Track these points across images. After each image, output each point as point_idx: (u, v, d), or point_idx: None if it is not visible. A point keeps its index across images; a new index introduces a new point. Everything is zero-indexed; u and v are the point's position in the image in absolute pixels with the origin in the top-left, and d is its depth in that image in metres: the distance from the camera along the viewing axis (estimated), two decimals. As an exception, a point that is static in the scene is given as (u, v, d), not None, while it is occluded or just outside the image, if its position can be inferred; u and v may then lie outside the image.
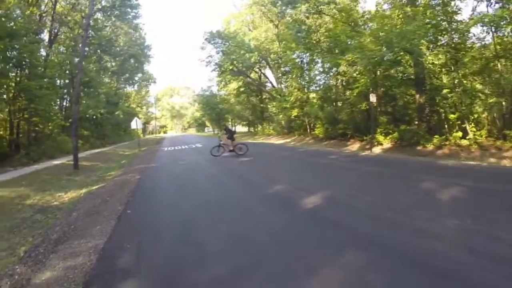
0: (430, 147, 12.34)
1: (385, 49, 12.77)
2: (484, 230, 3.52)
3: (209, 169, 10.16)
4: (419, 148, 12.67)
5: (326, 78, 21.93)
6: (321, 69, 22.97)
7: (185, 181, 8.21)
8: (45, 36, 22.93)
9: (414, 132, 13.29)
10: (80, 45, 28.04)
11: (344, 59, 14.49)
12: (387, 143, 14.29)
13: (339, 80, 20.02)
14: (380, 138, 14.40)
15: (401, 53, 12.99)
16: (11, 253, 4.14)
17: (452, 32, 13.10)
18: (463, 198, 5.00)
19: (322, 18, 20.26)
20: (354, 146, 15.79)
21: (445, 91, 12.56)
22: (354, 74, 15.23)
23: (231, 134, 13.91)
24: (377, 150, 13.88)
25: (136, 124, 24.22)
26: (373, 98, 13.47)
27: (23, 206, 6.82)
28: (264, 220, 4.43)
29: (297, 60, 24.14)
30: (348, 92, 17.91)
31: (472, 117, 12.46)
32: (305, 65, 23.32)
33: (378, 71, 14.63)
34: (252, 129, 42.65)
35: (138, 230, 4.43)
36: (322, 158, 11.49)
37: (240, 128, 52.80)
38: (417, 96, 14.15)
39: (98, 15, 30.32)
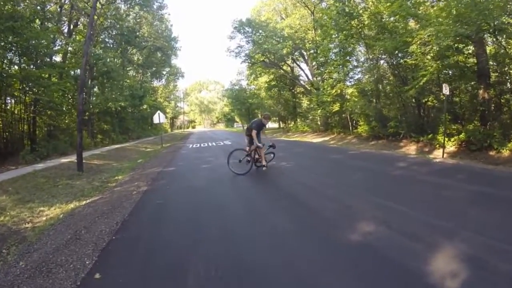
0: (505, 152, 9.55)
1: (466, 27, 9.85)
2: None
3: (239, 181, 7.45)
4: (491, 153, 9.89)
5: (372, 69, 18.89)
6: (362, 59, 20.26)
7: (206, 200, 5.77)
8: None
9: (487, 133, 10.38)
10: (101, 35, 27.26)
11: (418, 36, 11.46)
12: (450, 146, 11.43)
13: (390, 71, 17.03)
14: (442, 139, 11.56)
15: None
16: None
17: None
18: None
19: (366, 1, 17.39)
20: (409, 148, 12.88)
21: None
22: (428, 57, 12.09)
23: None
24: (439, 154, 11.03)
25: (159, 118, 22.28)
26: (446, 89, 10.49)
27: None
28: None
29: (335, 50, 21.20)
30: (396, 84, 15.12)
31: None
32: (346, 56, 20.31)
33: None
34: (283, 125, 39.96)
35: None
36: (388, 166, 8.51)
37: (270, 124, 50.41)
38: (481, 90, 11.28)
39: (122, 6, 28.91)
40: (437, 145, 11.89)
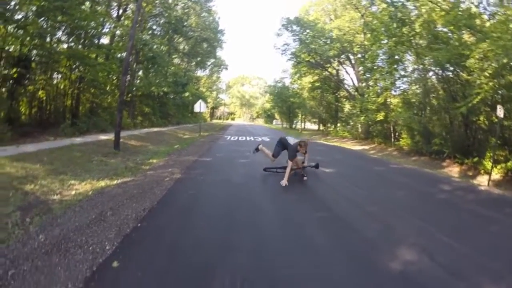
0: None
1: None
2: None
3: (277, 182, 6.69)
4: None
5: (421, 81, 17.73)
6: (410, 69, 18.86)
7: (240, 198, 5.47)
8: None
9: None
10: (149, 22, 27.80)
11: (476, 50, 10.43)
12: (495, 174, 10.43)
13: (440, 85, 15.88)
14: (488, 165, 10.56)
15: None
16: None
17: None
18: None
19: (419, 9, 16.29)
20: (452, 170, 11.90)
21: None
22: (486, 74, 10.97)
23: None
24: (483, 180, 10.16)
25: (199, 106, 22.43)
26: (500, 111, 9.52)
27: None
28: None
29: (384, 57, 20.24)
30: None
31: None
32: (394, 63, 19.24)
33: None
34: (323, 128, 39.11)
35: None
36: (432, 187, 7.73)
37: (309, 125, 49.64)
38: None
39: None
40: (482, 170, 10.97)
